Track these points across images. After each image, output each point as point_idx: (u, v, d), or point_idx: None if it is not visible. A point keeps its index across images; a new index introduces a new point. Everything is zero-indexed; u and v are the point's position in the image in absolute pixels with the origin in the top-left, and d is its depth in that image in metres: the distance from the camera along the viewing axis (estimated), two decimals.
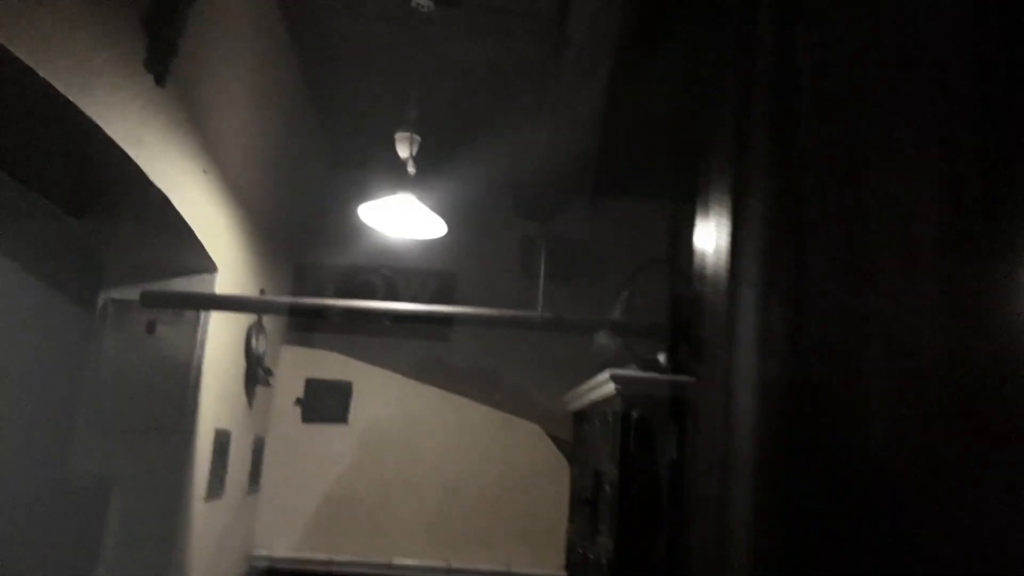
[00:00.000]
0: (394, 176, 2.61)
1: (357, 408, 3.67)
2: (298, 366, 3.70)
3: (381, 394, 3.71)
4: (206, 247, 2.53)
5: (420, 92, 2.78)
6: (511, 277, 4.18)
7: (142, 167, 2.03)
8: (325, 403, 3.67)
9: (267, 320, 3.42)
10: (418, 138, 2.65)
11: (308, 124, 3.54)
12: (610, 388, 2.79)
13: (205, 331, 2.64)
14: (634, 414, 2.72)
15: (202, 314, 2.64)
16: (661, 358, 2.77)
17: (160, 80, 2.02)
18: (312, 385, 3.68)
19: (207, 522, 2.82)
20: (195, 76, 2.25)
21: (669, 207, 4.62)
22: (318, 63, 3.29)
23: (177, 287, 2.65)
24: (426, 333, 3.92)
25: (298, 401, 3.65)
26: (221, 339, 2.83)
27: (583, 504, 3.13)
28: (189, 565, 2.69)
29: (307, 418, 3.65)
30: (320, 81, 3.36)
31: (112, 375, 2.59)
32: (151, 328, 2.63)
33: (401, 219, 2.62)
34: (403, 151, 2.61)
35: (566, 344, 3.59)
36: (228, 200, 2.66)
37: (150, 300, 2.55)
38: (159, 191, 2.17)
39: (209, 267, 2.65)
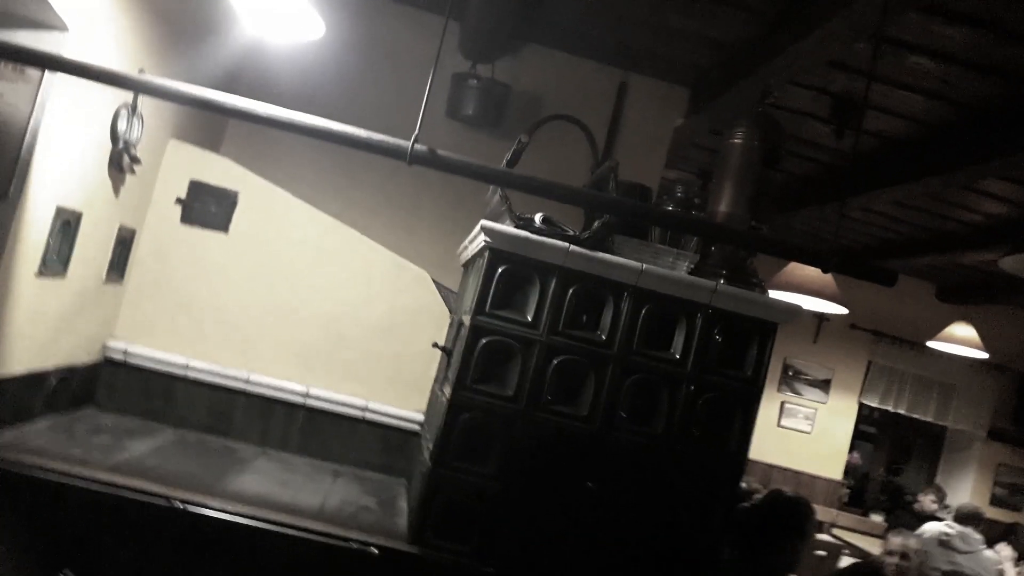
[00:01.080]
0: None
1: (240, 219, 3.49)
2: (184, 164, 3.47)
3: (268, 210, 3.52)
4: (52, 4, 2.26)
5: None
6: (435, 115, 3.94)
7: None
8: (207, 208, 3.47)
9: (152, 107, 3.17)
10: None
11: None
12: (481, 240, 2.64)
13: (47, 95, 2.41)
14: (498, 268, 2.58)
15: (46, 77, 2.39)
16: (538, 218, 2.60)
17: None
18: (195, 187, 3.47)
19: (39, 298, 2.69)
20: None
21: (616, 71, 4.36)
22: None
23: (26, 42, 2.38)
24: (326, 151, 3.70)
25: (178, 200, 3.45)
26: (75, 113, 2.60)
27: (441, 350, 3.04)
28: (14, 335, 2.57)
29: (185, 219, 3.46)
30: None
31: None
32: None
33: (272, 4, 2.34)
34: None
35: (476, 193, 3.41)
36: None
37: None
38: None
39: (56, 24, 2.38)
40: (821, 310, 4.86)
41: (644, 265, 2.59)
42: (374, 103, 3.98)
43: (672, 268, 2.67)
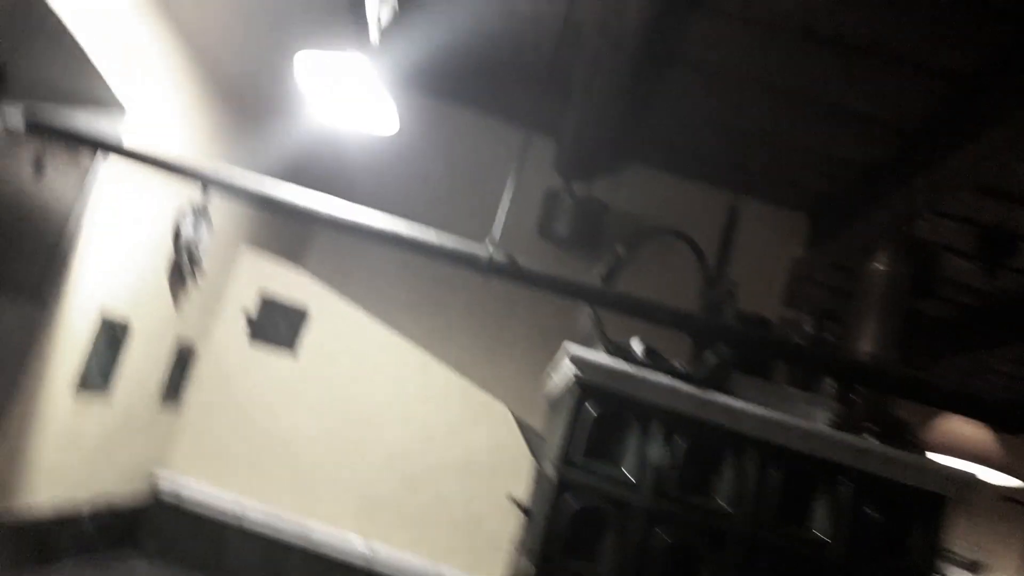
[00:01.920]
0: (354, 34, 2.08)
1: (310, 339, 3.19)
2: (255, 275, 3.23)
3: (340, 329, 3.21)
4: (102, 73, 2.06)
5: None
6: (524, 232, 3.62)
7: None
8: (276, 324, 3.20)
9: (223, 208, 2.96)
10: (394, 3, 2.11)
11: None
12: (568, 370, 2.20)
13: (94, 180, 2.19)
14: (590, 409, 2.12)
15: (97, 162, 2.19)
16: (636, 344, 2.16)
17: None
18: (266, 302, 3.21)
19: (76, 417, 2.38)
20: None
21: (726, 193, 3.97)
22: None
23: (79, 124, 2.19)
24: (405, 266, 3.41)
25: (246, 315, 3.19)
26: (129, 207, 2.38)
27: (520, 508, 2.55)
28: (44, 459, 2.26)
29: (253, 336, 3.19)
30: None
31: None
32: (39, 166, 2.18)
33: (343, 89, 2.07)
34: (372, 10, 2.08)
35: (570, 320, 3.02)
36: (159, 25, 2.18)
37: (36, 128, 2.10)
38: None
39: (111, 102, 2.18)
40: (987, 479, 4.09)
41: (772, 413, 2.08)
42: (452, 214, 3.69)
43: (807, 417, 2.15)
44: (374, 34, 2.07)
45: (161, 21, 2.21)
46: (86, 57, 2.00)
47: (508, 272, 2.01)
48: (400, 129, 3.22)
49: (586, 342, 2.33)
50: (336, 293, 3.26)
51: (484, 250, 1.99)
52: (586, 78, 3.09)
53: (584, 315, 2.29)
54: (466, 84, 3.82)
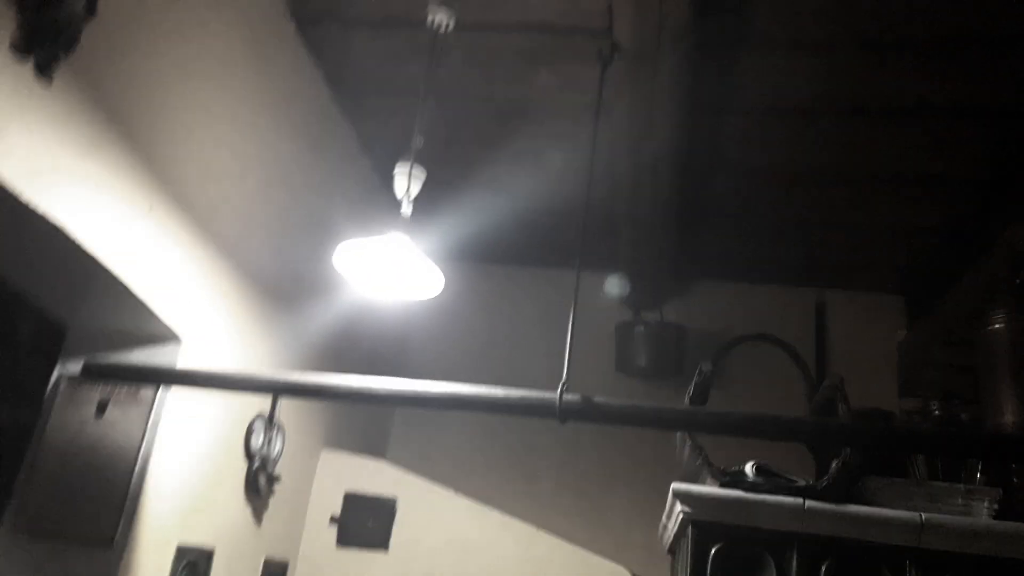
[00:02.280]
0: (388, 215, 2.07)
1: (400, 531, 3.00)
2: (337, 475, 3.11)
3: (431, 515, 3.02)
4: (154, 311, 2.07)
5: (431, 122, 2.27)
6: (602, 372, 3.45)
7: (30, 205, 1.62)
8: (364, 523, 3.03)
9: (301, 413, 2.90)
10: (421, 172, 2.10)
11: (327, 144, 3.08)
12: (679, 512, 1.96)
13: (159, 415, 2.15)
14: (711, 550, 1.86)
15: (159, 394, 2.16)
16: (749, 469, 1.91)
17: (45, 68, 1.62)
18: (351, 500, 3.07)
19: None
20: (118, 63, 1.84)
21: (809, 290, 3.74)
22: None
23: (137, 360, 2.19)
24: (487, 437, 3.25)
25: (333, 519, 3.04)
26: (195, 432, 2.32)
27: None
28: None
29: (343, 541, 3.02)
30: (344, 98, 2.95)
31: (53, 468, 2.13)
32: (101, 409, 2.17)
33: (386, 267, 2.03)
34: (401, 186, 2.07)
35: (668, 451, 2.79)
36: (196, 248, 2.21)
37: (94, 373, 2.10)
38: (67, 238, 1.76)
39: (167, 335, 2.18)
40: None
41: (923, 515, 1.78)
42: (519, 368, 3.54)
43: (967, 513, 1.83)
44: (406, 208, 2.04)
45: (205, 248, 2.25)
46: (139, 301, 2.02)
47: (585, 413, 1.83)
48: (449, 294, 3.19)
49: (693, 476, 2.10)
50: (422, 478, 3.10)
51: (555, 395, 1.83)
52: (630, 212, 3.03)
53: (683, 447, 2.07)
54: (508, 248, 3.81)
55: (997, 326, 2.12)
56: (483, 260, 3.90)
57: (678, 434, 2.09)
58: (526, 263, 3.90)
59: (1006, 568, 1.73)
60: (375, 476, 3.12)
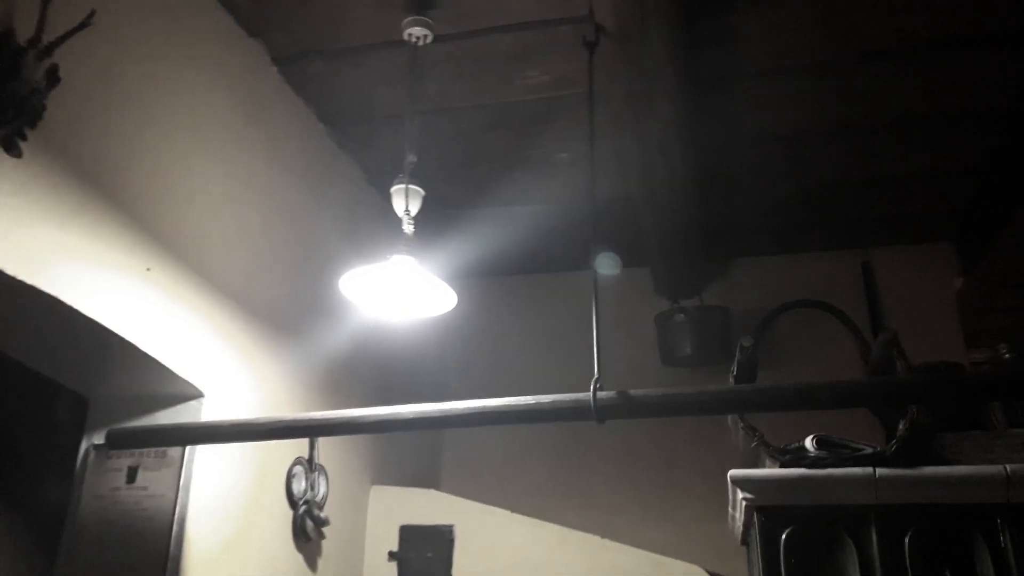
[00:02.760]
0: (389, 240, 1.99)
1: (461, 560, 2.90)
2: (391, 510, 3.03)
3: (490, 538, 2.91)
4: (172, 368, 2.02)
5: (422, 137, 2.20)
6: (649, 367, 3.32)
7: (27, 282, 1.59)
8: (423, 555, 2.93)
9: (344, 452, 2.83)
10: (419, 191, 2.03)
11: (329, 178, 3.00)
12: (740, 499, 1.82)
13: (190, 474, 2.09)
14: (782, 536, 1.72)
15: (187, 453, 2.10)
16: (809, 443, 1.77)
17: (10, 146, 1.58)
18: (407, 533, 2.98)
19: None
20: (89, 128, 1.80)
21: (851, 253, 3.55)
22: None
23: (161, 421, 2.14)
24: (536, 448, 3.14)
25: (391, 556, 2.95)
26: (234, 482, 2.26)
27: None
28: None
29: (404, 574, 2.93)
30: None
31: (91, 539, 2.08)
32: (132, 475, 2.12)
33: (396, 290, 1.95)
34: (399, 206, 1.99)
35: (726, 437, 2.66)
36: (203, 301, 2.15)
37: (119, 440, 2.05)
38: (71, 311, 1.72)
39: (188, 392, 2.13)
40: None
41: (1008, 467, 1.62)
42: (556, 375, 3.42)
43: None
44: (407, 227, 1.96)
45: (212, 298, 2.20)
46: (154, 361, 1.98)
47: (622, 409, 1.72)
48: (467, 311, 3.08)
49: (752, 461, 1.96)
50: (475, 502, 3.00)
51: (588, 395, 1.72)
52: (649, 198, 2.91)
53: (736, 431, 1.93)
54: (523, 258, 3.70)
55: None
56: (497, 273, 3.80)
57: (729, 418, 1.96)
58: (544, 270, 3.79)
59: None
60: (428, 506, 3.03)
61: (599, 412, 1.71)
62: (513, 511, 2.96)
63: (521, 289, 3.83)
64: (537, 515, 2.96)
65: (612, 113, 2.52)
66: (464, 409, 1.80)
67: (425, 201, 2.12)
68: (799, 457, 1.74)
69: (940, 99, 2.62)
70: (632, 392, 1.72)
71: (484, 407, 1.80)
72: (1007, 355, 2.11)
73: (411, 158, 2.02)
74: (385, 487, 3.09)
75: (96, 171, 1.82)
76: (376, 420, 1.85)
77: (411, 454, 3.42)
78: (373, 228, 3.16)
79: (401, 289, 1.95)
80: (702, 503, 3.12)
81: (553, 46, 2.44)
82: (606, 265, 3.18)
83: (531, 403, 1.77)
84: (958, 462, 1.69)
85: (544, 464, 3.42)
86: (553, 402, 1.76)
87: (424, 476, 3.51)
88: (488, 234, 3.29)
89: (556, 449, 3.40)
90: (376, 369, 3.24)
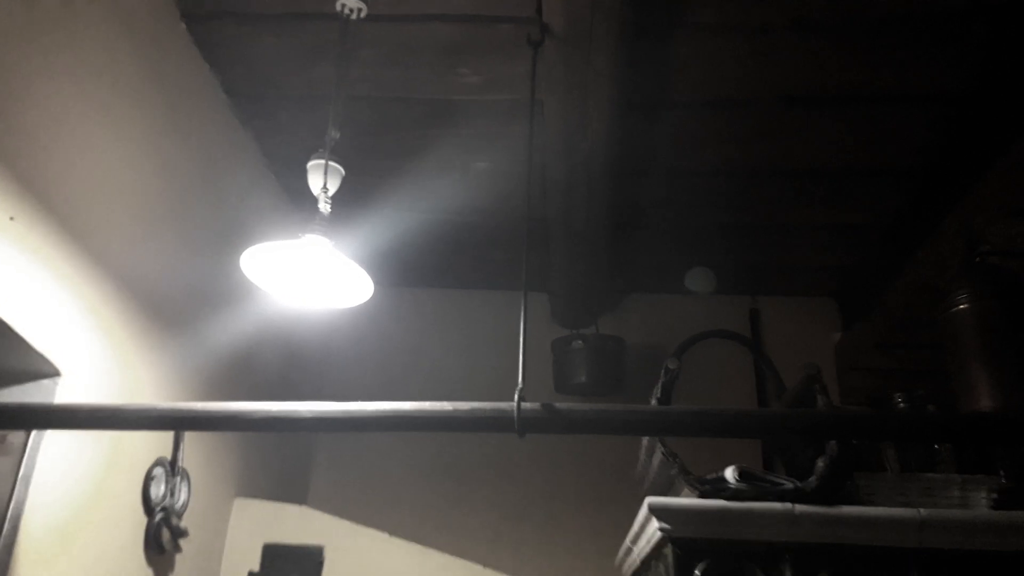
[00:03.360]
0: (302, 219, 1.80)
1: None
2: (254, 526, 2.76)
3: (363, 562, 2.71)
4: (24, 337, 1.73)
5: (344, 125, 2.03)
6: (540, 394, 3.22)
7: None
8: (288, 575, 2.69)
9: (208, 457, 2.55)
10: (339, 168, 1.85)
11: (228, 155, 2.77)
12: (653, 528, 1.74)
13: (32, 465, 1.79)
14: (695, 570, 1.65)
15: (31, 440, 1.80)
16: (730, 474, 1.72)
17: None
18: (271, 553, 2.72)
19: None
20: None
21: (742, 300, 3.64)
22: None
23: (6, 400, 1.83)
24: (420, 469, 2.98)
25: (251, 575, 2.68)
26: (82, 480, 1.96)
27: None
28: None
29: None
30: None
31: None
32: None
33: (307, 273, 1.76)
34: (316, 183, 1.81)
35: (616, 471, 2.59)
36: (72, 267, 1.88)
37: None
38: None
39: (44, 370, 1.83)
40: None
41: (922, 511, 1.62)
42: (442, 393, 3.29)
43: (964, 505, 1.68)
44: (324, 206, 1.78)
45: (83, 266, 1.92)
46: (11, 331, 1.69)
47: (548, 423, 1.60)
48: (372, 317, 2.93)
49: (662, 489, 1.89)
50: (351, 522, 2.78)
51: (512, 405, 1.60)
52: (565, 220, 2.86)
53: (649, 458, 1.86)
54: (428, 269, 3.58)
55: (961, 307, 2.02)
56: (400, 284, 3.64)
57: (644, 444, 1.88)
58: (448, 285, 3.67)
59: (1011, 562, 1.59)
60: (297, 524, 2.78)
61: (522, 424, 1.59)
62: (390, 533, 2.77)
63: (429, 301, 3.68)
64: (415, 538, 2.78)
65: (542, 126, 2.45)
66: (376, 411, 1.63)
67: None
68: (719, 488, 1.68)
69: (849, 152, 2.71)
70: (558, 405, 1.61)
71: (398, 411, 1.63)
72: (901, 403, 2.16)
73: (334, 133, 1.85)
74: (249, 500, 2.82)
75: None
76: (271, 417, 1.63)
77: (278, 464, 3.16)
78: (268, 216, 2.93)
79: (313, 272, 1.76)
80: (587, 534, 3.04)
81: (492, 44, 2.34)
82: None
83: (448, 410, 1.62)
84: (871, 503, 1.68)
85: (426, 486, 3.25)
86: (472, 410, 1.62)
87: (292, 489, 3.25)
88: (391, 237, 3.13)
89: (437, 467, 3.24)
90: (275, 367, 2.99)
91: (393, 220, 3.18)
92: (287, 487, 3.21)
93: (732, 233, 3.21)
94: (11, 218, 1.66)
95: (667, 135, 2.69)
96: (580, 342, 3.14)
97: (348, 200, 2.55)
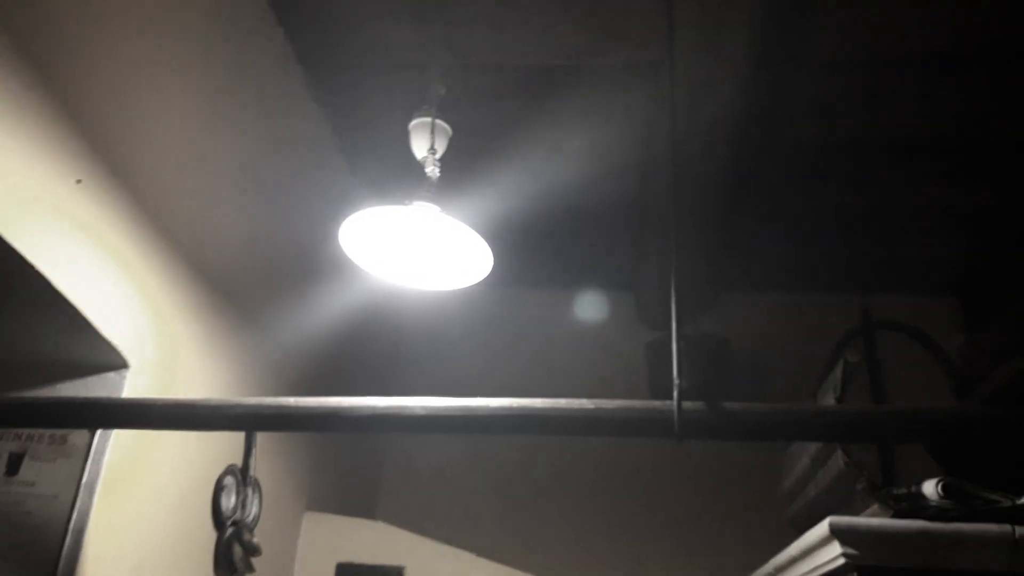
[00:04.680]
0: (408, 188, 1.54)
1: None
2: (326, 543, 2.50)
3: None
4: (93, 323, 1.49)
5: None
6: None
7: None
8: None
9: (276, 466, 2.31)
10: (446, 127, 1.59)
11: (285, 137, 2.52)
12: (831, 554, 1.44)
13: (97, 471, 1.54)
14: None
15: (96, 441, 1.56)
16: (931, 488, 1.41)
17: None
18: (346, 572, 2.46)
19: None
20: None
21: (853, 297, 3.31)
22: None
23: (69, 394, 1.60)
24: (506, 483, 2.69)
25: None
26: (150, 489, 1.72)
27: None
28: None
29: None
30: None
31: None
32: (14, 466, 1.56)
33: (413, 246, 1.50)
34: (420, 145, 1.55)
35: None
36: (136, 241, 1.64)
37: (13, 420, 1.49)
38: None
39: (111, 361, 1.60)
40: None
41: None
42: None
43: None
44: (432, 170, 1.52)
45: (157, 240, 1.69)
46: (79, 316, 1.47)
47: (715, 427, 1.32)
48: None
49: (828, 508, 1.58)
50: (431, 539, 2.51)
51: (670, 405, 1.32)
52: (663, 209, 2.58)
53: (816, 467, 1.56)
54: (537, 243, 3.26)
55: None
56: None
57: (812, 453, 1.58)
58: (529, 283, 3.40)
59: None
60: (371, 540, 2.53)
61: (683, 427, 1.31)
62: (476, 553, 2.49)
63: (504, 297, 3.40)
64: (501, 559, 2.50)
65: (648, 93, 2.17)
66: (500, 409, 1.36)
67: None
68: (919, 506, 1.37)
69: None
70: (729, 405, 1.32)
71: (528, 409, 1.35)
72: None
73: (439, 89, 1.59)
74: (320, 514, 2.57)
75: (28, 45, 1.31)
76: (378, 414, 1.37)
77: (347, 473, 2.90)
78: (337, 201, 2.67)
79: (421, 245, 1.49)
80: (706, 556, 2.72)
81: None
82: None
83: (590, 408, 1.35)
84: None
85: (504, 496, 2.94)
86: (621, 409, 1.34)
87: (361, 502, 2.98)
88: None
89: (519, 477, 2.94)
90: (369, 358, 2.74)
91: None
92: (356, 499, 2.95)
93: (848, 219, 2.89)
94: (78, 181, 1.43)
95: (793, 101, 2.38)
96: (682, 342, 2.82)
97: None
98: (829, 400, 1.55)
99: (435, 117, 1.55)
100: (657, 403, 1.33)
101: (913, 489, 1.41)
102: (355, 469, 2.98)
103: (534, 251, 3.21)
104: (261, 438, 2.18)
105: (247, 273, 2.08)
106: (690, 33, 1.92)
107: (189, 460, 1.86)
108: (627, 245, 3.07)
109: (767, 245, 3.09)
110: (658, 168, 2.51)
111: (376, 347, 3.02)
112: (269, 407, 1.43)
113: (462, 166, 2.67)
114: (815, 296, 3.26)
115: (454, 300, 2.68)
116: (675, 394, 1.32)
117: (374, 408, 1.39)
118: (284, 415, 1.43)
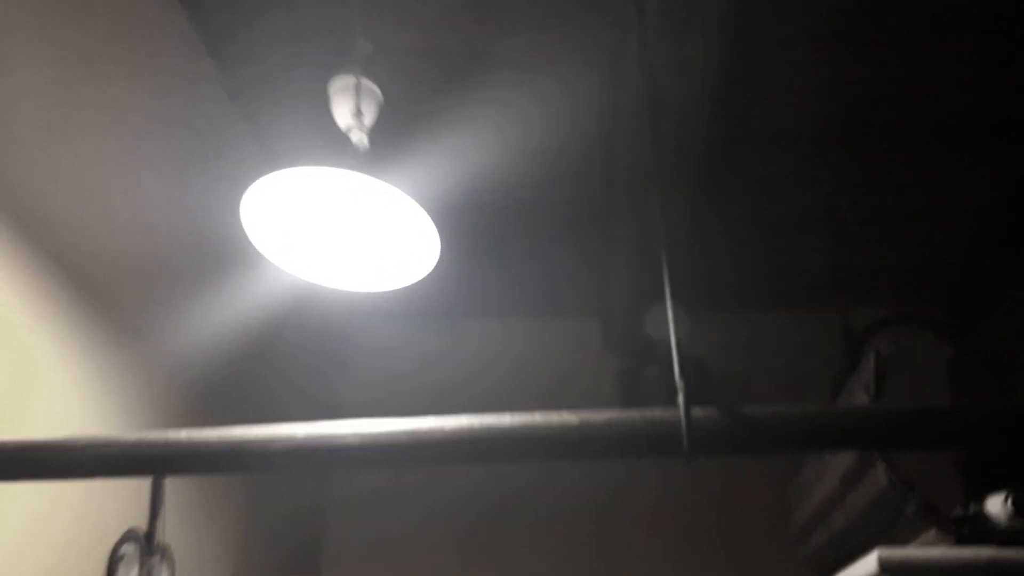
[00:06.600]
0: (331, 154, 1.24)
1: None
2: None
3: None
4: None
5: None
6: None
7: None
8: None
9: (192, 526, 1.93)
10: (375, 89, 1.31)
11: (175, 98, 2.16)
12: None
13: None
14: None
15: None
16: (997, 507, 1.13)
17: None
18: None
19: None
20: None
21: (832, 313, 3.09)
22: None
23: None
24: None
25: None
26: (18, 563, 1.35)
27: None
28: None
29: None
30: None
31: None
32: None
33: (340, 230, 1.19)
34: (343, 109, 1.26)
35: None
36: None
37: None
38: None
39: None
40: None
41: None
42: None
43: None
44: (359, 137, 1.23)
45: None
46: None
47: (727, 438, 1.04)
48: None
49: (862, 537, 1.30)
50: None
51: (677, 415, 1.03)
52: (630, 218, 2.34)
53: (847, 487, 1.28)
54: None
55: None
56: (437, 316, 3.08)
57: (841, 472, 1.30)
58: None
59: None
60: None
61: (693, 442, 1.02)
62: None
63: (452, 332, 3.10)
64: None
65: (613, 71, 1.92)
66: (457, 432, 1.05)
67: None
68: (982, 529, 1.10)
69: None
70: (747, 410, 1.04)
71: (492, 428, 1.05)
72: None
73: (365, 46, 1.31)
74: None
75: None
76: (300, 446, 1.05)
77: (286, 526, 2.53)
78: (234, 168, 2.25)
79: (349, 227, 1.19)
80: None
81: None
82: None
83: (573, 424, 1.05)
84: None
85: (473, 532, 2.59)
86: (613, 422, 1.05)
87: (301, 559, 2.61)
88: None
89: (479, 517, 2.61)
90: (278, 377, 2.39)
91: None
92: (296, 558, 2.57)
93: (824, 222, 2.68)
94: None
95: (765, 82, 2.15)
96: (655, 367, 2.56)
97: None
98: (861, 400, 1.29)
99: (360, 75, 1.26)
100: (659, 412, 1.05)
101: (973, 509, 1.13)
102: (295, 518, 2.61)
103: (484, 270, 2.92)
104: (172, 492, 1.82)
105: (128, 270, 1.72)
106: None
107: (71, 525, 1.49)
108: (593, 262, 2.82)
109: (743, 261, 2.87)
110: (620, 171, 2.28)
111: (298, 368, 2.67)
112: (153, 444, 1.10)
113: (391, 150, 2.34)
114: (797, 311, 3.05)
115: (396, 332, 2.36)
116: (680, 399, 1.04)
117: (291, 439, 1.07)
118: (173, 454, 1.10)
